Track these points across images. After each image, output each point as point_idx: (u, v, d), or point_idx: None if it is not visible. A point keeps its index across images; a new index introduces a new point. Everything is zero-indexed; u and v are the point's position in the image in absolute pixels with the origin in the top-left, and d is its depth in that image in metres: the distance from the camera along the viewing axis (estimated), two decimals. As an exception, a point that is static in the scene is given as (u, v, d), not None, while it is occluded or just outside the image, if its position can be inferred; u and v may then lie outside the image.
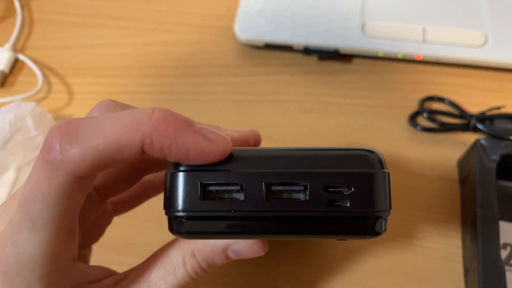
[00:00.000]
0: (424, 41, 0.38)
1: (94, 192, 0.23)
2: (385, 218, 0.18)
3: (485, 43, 0.38)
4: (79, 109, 0.38)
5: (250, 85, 0.39)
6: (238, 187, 0.17)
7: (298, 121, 0.37)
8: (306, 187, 0.17)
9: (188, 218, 0.18)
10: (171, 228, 0.18)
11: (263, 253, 0.22)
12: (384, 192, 0.18)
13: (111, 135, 0.16)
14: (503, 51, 0.38)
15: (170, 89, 0.39)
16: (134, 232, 0.32)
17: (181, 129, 0.17)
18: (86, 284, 0.20)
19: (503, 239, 0.31)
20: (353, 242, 0.32)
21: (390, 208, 0.18)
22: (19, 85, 0.40)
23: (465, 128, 0.36)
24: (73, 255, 0.19)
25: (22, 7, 0.44)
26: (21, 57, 0.40)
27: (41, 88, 0.38)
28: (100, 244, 0.26)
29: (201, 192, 0.17)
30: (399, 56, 0.39)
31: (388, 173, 0.18)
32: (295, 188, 0.18)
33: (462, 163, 0.34)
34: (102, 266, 0.21)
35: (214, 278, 0.30)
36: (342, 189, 0.18)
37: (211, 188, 0.18)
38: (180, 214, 0.17)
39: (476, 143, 0.31)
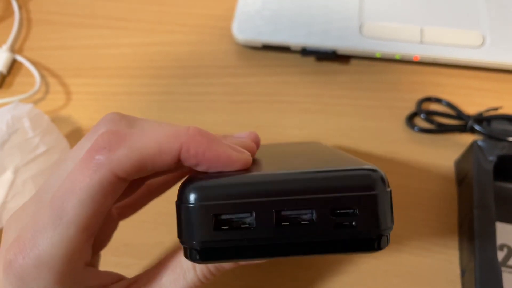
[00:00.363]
0: (421, 42, 0.38)
1: None
2: (388, 235, 0.19)
3: (482, 44, 0.38)
4: (77, 110, 0.38)
5: (248, 86, 0.39)
6: (249, 215, 0.18)
7: (296, 121, 0.37)
8: (313, 212, 0.18)
9: (202, 249, 0.18)
10: (186, 256, 0.19)
11: (263, 261, 0.22)
12: (388, 211, 0.19)
13: (155, 140, 0.18)
14: (500, 52, 0.38)
15: (169, 90, 0.39)
16: (133, 233, 0.32)
17: (213, 140, 0.19)
18: None
19: (500, 240, 0.31)
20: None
21: (393, 223, 0.19)
22: (17, 86, 0.40)
23: (463, 129, 0.36)
24: (87, 259, 0.19)
25: (20, 7, 0.44)
26: (19, 58, 0.40)
27: (39, 89, 0.38)
28: (98, 246, 0.26)
29: (215, 223, 0.18)
30: (397, 57, 0.39)
31: (391, 191, 0.19)
32: (303, 213, 0.19)
33: (459, 164, 0.34)
34: (112, 272, 0.22)
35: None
36: (348, 211, 0.18)
37: (224, 217, 0.18)
38: (194, 244, 0.18)
39: (473, 144, 0.31)
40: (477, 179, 0.30)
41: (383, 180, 0.19)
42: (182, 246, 0.21)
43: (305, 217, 0.19)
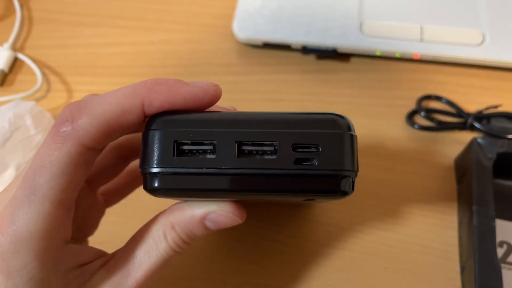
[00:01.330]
0: (421, 40, 0.39)
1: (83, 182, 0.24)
2: (352, 179, 0.19)
3: (482, 42, 0.38)
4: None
5: (249, 84, 0.39)
6: (211, 146, 0.18)
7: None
8: (275, 146, 0.18)
9: (162, 173, 0.18)
10: (145, 185, 0.19)
11: (240, 221, 0.22)
12: (351, 152, 0.19)
13: (114, 102, 0.18)
14: (500, 50, 0.38)
15: (169, 88, 0.39)
16: (134, 230, 0.33)
17: (173, 85, 0.19)
18: (77, 268, 0.20)
19: (499, 237, 0.31)
20: (350, 241, 0.32)
21: (357, 169, 0.19)
22: (18, 84, 0.40)
23: (462, 126, 0.36)
24: (67, 236, 0.20)
25: (21, 6, 0.44)
26: (21, 56, 0.41)
27: (40, 87, 0.39)
28: (99, 242, 0.26)
29: (175, 150, 0.18)
30: (397, 55, 0.39)
31: (356, 136, 0.19)
32: (265, 147, 0.19)
33: (459, 162, 0.34)
34: (93, 248, 0.22)
35: (211, 275, 0.31)
36: (310, 149, 0.18)
37: (185, 147, 0.19)
38: (154, 170, 0.18)
39: (473, 142, 0.32)
40: (477, 177, 0.30)
41: (348, 124, 0.19)
42: (152, 219, 0.22)
43: (266, 150, 0.19)
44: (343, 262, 0.31)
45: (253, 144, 0.18)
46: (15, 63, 0.41)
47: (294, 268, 0.31)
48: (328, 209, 0.33)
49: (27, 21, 0.44)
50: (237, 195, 0.20)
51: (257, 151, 0.19)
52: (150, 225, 0.22)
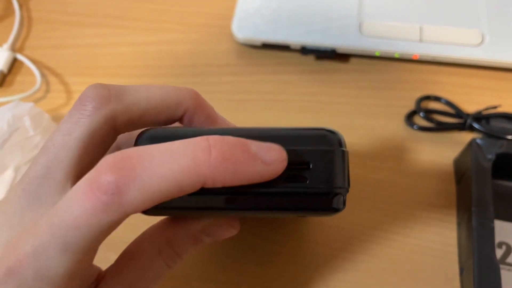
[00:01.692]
0: (421, 40, 0.39)
1: None
2: (343, 195, 0.19)
3: (481, 42, 0.38)
4: (77, 109, 0.38)
5: (248, 85, 0.39)
6: None
7: (295, 120, 0.37)
8: None
9: None
10: None
11: (235, 232, 0.22)
12: (342, 169, 0.19)
13: (172, 179, 0.16)
14: (499, 50, 0.38)
15: (168, 89, 0.39)
16: (132, 231, 0.32)
17: (241, 162, 0.17)
18: None
19: (498, 238, 0.31)
20: (349, 242, 0.32)
21: (349, 186, 0.19)
22: (17, 84, 0.40)
23: (462, 127, 0.36)
24: (85, 276, 0.19)
25: (20, 6, 0.44)
26: (20, 56, 0.41)
27: (39, 88, 0.39)
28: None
29: None
30: (396, 56, 0.39)
31: (347, 152, 0.19)
32: None
33: (458, 162, 0.34)
34: (93, 266, 0.21)
35: (210, 275, 0.31)
36: (301, 166, 0.18)
37: None
38: None
39: (472, 143, 0.32)
40: (476, 177, 0.30)
41: (339, 140, 0.19)
42: (144, 234, 0.22)
43: None
44: (341, 263, 0.31)
45: None
46: (14, 64, 0.41)
47: (293, 268, 0.31)
48: (327, 209, 0.33)
49: (26, 22, 0.44)
50: (229, 214, 0.20)
51: None
52: (141, 242, 0.21)
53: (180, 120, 0.22)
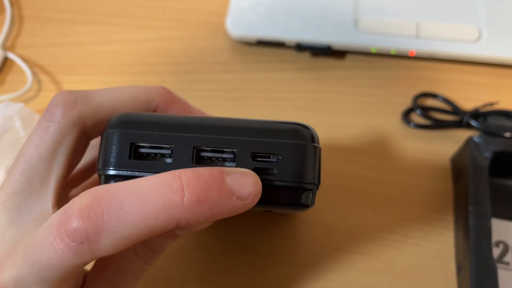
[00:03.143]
0: (417, 36, 0.38)
1: None
2: (313, 191, 0.19)
3: (479, 38, 0.38)
4: (70, 108, 0.38)
5: (243, 82, 0.39)
6: (168, 151, 0.18)
7: (291, 118, 0.36)
8: (234, 154, 0.18)
9: (117, 176, 0.18)
10: None
11: (209, 224, 0.22)
12: (313, 165, 0.18)
13: (143, 225, 0.15)
14: (497, 46, 0.38)
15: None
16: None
17: (215, 202, 0.16)
18: None
19: (496, 237, 0.31)
20: (346, 242, 0.31)
21: (319, 182, 0.19)
22: (8, 84, 0.39)
23: (459, 124, 0.35)
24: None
25: (11, 4, 0.44)
26: (11, 55, 0.40)
27: (30, 87, 0.38)
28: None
29: (131, 152, 0.18)
30: (393, 52, 0.38)
31: (320, 148, 0.19)
32: (223, 155, 0.18)
33: (455, 160, 0.34)
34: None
35: (206, 277, 0.30)
36: (270, 158, 0.18)
37: (142, 150, 0.18)
38: (110, 172, 0.18)
39: (469, 140, 0.31)
40: (473, 176, 0.30)
41: (312, 135, 0.18)
42: None
43: (226, 157, 0.18)
44: (338, 263, 0.31)
45: (211, 151, 0.18)
46: (5, 63, 0.40)
47: (289, 269, 0.31)
48: (322, 208, 0.32)
49: (18, 20, 0.43)
50: None
51: (216, 158, 0.18)
52: None
53: None
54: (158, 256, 0.22)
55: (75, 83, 0.39)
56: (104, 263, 0.21)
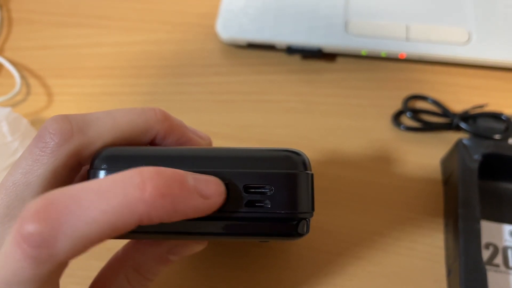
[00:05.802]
0: (407, 39, 0.38)
1: None
2: (307, 220, 0.18)
3: (468, 40, 0.38)
4: (59, 111, 0.37)
5: (233, 85, 0.39)
6: None
7: (281, 121, 0.37)
8: (226, 186, 0.17)
9: None
10: None
11: (202, 247, 0.22)
12: (307, 194, 0.18)
13: (104, 221, 0.15)
14: (487, 48, 0.38)
15: (152, 89, 0.39)
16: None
17: (178, 196, 0.16)
18: None
19: (485, 239, 0.31)
20: (336, 244, 0.31)
21: (313, 209, 0.18)
22: (-3, 87, 0.39)
23: (449, 127, 0.35)
24: None
25: (0, 6, 0.43)
26: (-1, 58, 0.40)
27: (19, 90, 0.38)
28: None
29: None
30: (383, 55, 0.38)
31: (312, 175, 0.18)
32: None
33: (445, 163, 0.34)
34: None
35: (196, 282, 0.30)
36: (263, 190, 0.17)
37: None
38: None
39: (459, 143, 0.31)
40: (462, 178, 0.30)
41: (304, 162, 0.18)
42: (107, 267, 0.21)
43: None
44: (328, 266, 0.31)
45: None
46: (-7, 66, 0.40)
47: (280, 272, 0.31)
48: (313, 212, 0.32)
49: (7, 22, 0.43)
50: (187, 238, 0.19)
51: None
52: (108, 273, 0.21)
53: (150, 143, 0.21)
54: (151, 283, 0.22)
55: (64, 86, 0.39)
56: None
